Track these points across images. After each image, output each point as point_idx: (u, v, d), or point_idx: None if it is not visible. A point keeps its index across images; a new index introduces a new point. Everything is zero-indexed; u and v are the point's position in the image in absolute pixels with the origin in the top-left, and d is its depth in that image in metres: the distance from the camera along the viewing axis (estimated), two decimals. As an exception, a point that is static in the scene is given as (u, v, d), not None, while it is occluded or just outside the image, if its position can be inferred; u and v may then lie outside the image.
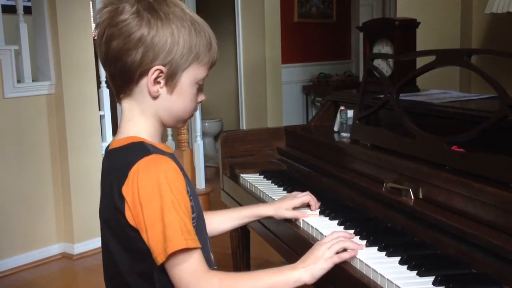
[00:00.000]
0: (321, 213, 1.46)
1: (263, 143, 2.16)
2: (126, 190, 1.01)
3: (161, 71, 1.06)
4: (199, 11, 5.33)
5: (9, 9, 3.75)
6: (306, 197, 1.47)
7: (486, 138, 1.31)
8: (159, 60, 1.05)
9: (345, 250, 1.18)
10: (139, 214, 1.00)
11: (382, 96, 1.64)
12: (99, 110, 3.70)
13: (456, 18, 2.90)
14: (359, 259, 1.15)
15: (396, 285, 1.03)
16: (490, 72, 1.29)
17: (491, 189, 1.12)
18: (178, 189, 1.01)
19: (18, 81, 3.33)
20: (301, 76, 6.08)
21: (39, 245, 3.44)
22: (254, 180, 1.90)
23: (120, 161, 1.05)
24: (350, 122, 1.91)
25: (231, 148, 2.13)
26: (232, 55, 5.58)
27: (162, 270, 1.02)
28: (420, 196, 1.32)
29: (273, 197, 1.67)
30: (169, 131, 4.41)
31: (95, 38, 1.10)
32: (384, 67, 1.99)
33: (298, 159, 1.97)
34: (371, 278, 1.10)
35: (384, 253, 1.18)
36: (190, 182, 1.09)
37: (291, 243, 1.47)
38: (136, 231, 1.01)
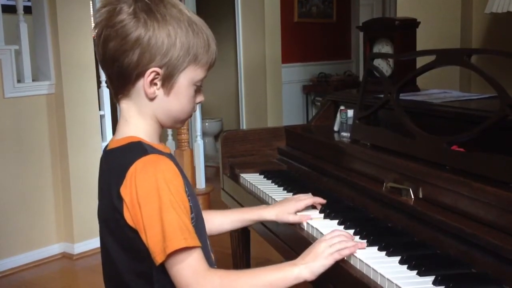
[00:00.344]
0: (321, 212, 1.46)
1: (263, 143, 2.16)
2: (124, 190, 1.01)
3: (158, 73, 1.06)
4: (199, 10, 5.33)
5: (9, 9, 3.75)
6: (309, 200, 1.46)
7: (486, 137, 1.31)
8: (156, 61, 1.04)
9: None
10: (137, 214, 1.00)
11: (382, 95, 1.64)
12: (99, 109, 3.70)
13: (456, 18, 2.90)
14: (359, 259, 1.15)
15: (396, 284, 1.03)
16: (490, 71, 1.29)
17: (491, 189, 1.12)
18: (176, 188, 1.01)
19: (18, 81, 3.33)
20: (301, 75, 6.08)
21: (39, 245, 3.44)
22: (254, 180, 1.90)
23: (118, 161, 1.05)
24: (350, 122, 1.91)
25: (231, 147, 2.13)
26: (232, 54, 5.58)
27: (161, 270, 1.01)
28: (420, 196, 1.32)
29: (273, 197, 1.67)
30: (169, 131, 4.41)
31: (94, 38, 1.10)
32: (384, 66, 1.99)
33: (298, 159, 1.97)
34: (371, 277, 1.10)
35: (384, 252, 1.18)
36: (188, 182, 1.09)
37: (291, 243, 1.47)
38: (134, 231, 1.01)
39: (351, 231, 1.32)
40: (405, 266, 1.11)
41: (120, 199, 1.01)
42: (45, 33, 3.41)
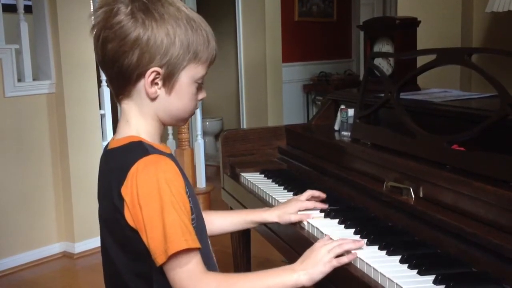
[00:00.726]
0: (321, 211, 1.46)
1: (263, 142, 2.16)
2: (125, 190, 1.00)
3: (158, 73, 1.05)
4: (199, 10, 5.33)
5: (10, 8, 3.75)
6: (309, 203, 1.46)
7: (487, 137, 1.31)
8: (156, 61, 1.04)
9: (347, 252, 1.17)
10: (138, 215, 0.99)
11: (382, 95, 1.64)
12: (100, 109, 3.70)
13: (457, 17, 2.90)
14: (360, 258, 1.15)
15: (396, 284, 1.03)
16: (491, 71, 1.29)
17: (492, 188, 1.12)
18: (177, 189, 1.01)
19: (19, 80, 3.33)
20: (302, 75, 6.08)
21: (39, 244, 3.45)
22: (254, 179, 1.90)
23: (119, 161, 1.05)
24: (350, 121, 1.91)
25: (232, 147, 2.13)
26: (233, 54, 5.58)
27: (160, 271, 1.01)
28: (421, 195, 1.32)
29: (273, 196, 1.67)
30: (170, 130, 4.41)
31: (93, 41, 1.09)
32: (384, 66, 1.99)
33: (299, 158, 1.97)
34: (372, 277, 1.10)
35: (384, 252, 1.18)
36: (189, 183, 1.08)
37: (291, 242, 1.47)
38: (135, 232, 1.01)
39: (352, 230, 1.32)
40: (406, 265, 1.11)
41: (121, 199, 1.01)
42: (45, 32, 3.41)
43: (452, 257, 1.13)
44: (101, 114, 3.71)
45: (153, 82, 1.06)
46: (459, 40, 2.88)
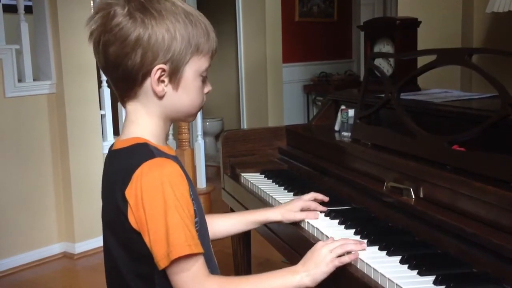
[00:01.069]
0: (321, 211, 1.46)
1: (264, 142, 2.16)
2: (129, 192, 1.00)
3: (164, 70, 1.04)
4: (199, 9, 5.32)
5: (10, 9, 3.75)
6: (312, 203, 1.45)
7: (487, 137, 1.31)
8: (159, 58, 1.03)
9: (347, 252, 1.17)
10: (141, 218, 0.99)
11: (383, 95, 1.64)
12: (100, 109, 3.70)
13: (457, 17, 2.90)
14: (360, 259, 1.15)
15: (396, 284, 1.03)
16: (491, 71, 1.28)
17: (492, 188, 1.12)
18: (181, 193, 1.00)
19: (19, 81, 3.33)
20: (302, 75, 6.08)
21: (40, 244, 3.45)
22: (255, 179, 1.90)
23: (123, 162, 1.04)
24: (351, 121, 1.91)
25: (232, 147, 2.13)
26: (233, 54, 5.58)
27: (162, 273, 1.01)
28: (421, 196, 1.32)
29: (274, 197, 1.67)
30: (170, 130, 4.41)
31: (92, 46, 1.08)
32: (385, 66, 1.99)
33: (299, 159, 1.97)
34: (372, 277, 1.10)
35: (384, 252, 1.18)
36: (192, 186, 1.08)
37: (292, 243, 1.47)
38: (138, 234, 1.00)
39: (352, 231, 1.32)
40: (406, 265, 1.10)
41: (125, 201, 1.00)
42: (46, 32, 3.41)
43: (452, 257, 1.13)
44: (101, 115, 3.71)
45: (159, 80, 1.05)
46: (459, 40, 2.88)
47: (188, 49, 1.05)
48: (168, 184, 0.99)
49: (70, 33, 3.40)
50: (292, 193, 1.69)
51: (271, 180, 1.86)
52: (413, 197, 1.33)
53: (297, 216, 1.41)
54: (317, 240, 1.30)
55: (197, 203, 1.08)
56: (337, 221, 1.39)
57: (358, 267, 1.15)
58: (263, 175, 1.94)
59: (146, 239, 0.99)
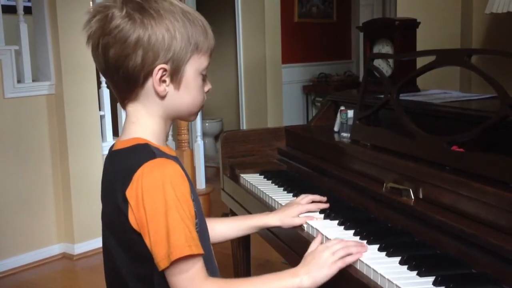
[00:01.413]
0: (321, 212, 1.46)
1: (263, 143, 2.16)
2: (130, 193, 1.00)
3: (165, 69, 1.04)
4: (199, 10, 5.31)
5: (10, 9, 3.75)
6: (311, 205, 1.45)
7: (487, 138, 1.31)
8: (160, 58, 1.03)
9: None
10: (142, 218, 0.98)
11: (382, 96, 1.64)
12: (99, 110, 3.70)
13: (456, 18, 2.90)
14: (360, 259, 1.15)
15: (396, 285, 1.03)
16: (490, 72, 1.29)
17: (491, 189, 1.12)
18: (182, 194, 1.00)
19: (18, 81, 3.33)
20: (301, 76, 6.08)
21: (39, 245, 3.44)
22: (254, 180, 1.90)
23: (124, 163, 1.04)
24: (350, 122, 1.91)
25: (231, 148, 2.13)
26: (232, 55, 5.58)
27: (162, 274, 1.01)
28: (420, 196, 1.32)
29: (273, 197, 1.66)
30: (170, 131, 4.40)
31: (91, 50, 1.07)
32: (384, 67, 1.99)
33: (298, 159, 1.97)
34: (371, 278, 1.10)
35: (384, 253, 1.18)
36: (193, 187, 1.08)
37: (291, 244, 1.47)
38: (138, 235, 1.00)
39: (351, 232, 1.32)
40: (405, 266, 1.11)
41: (126, 201, 1.00)
42: (45, 33, 3.41)
43: (452, 258, 1.13)
44: (100, 115, 3.70)
45: (161, 80, 1.05)
46: (458, 41, 2.88)
47: (188, 47, 1.06)
48: (169, 185, 0.99)
49: (70, 34, 3.40)
50: (291, 194, 1.69)
51: (270, 181, 1.86)
52: (413, 197, 1.33)
53: (296, 221, 1.41)
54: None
55: (197, 204, 1.08)
56: (336, 221, 1.39)
57: (358, 268, 1.15)
58: (263, 176, 1.94)
59: (147, 240, 0.99)
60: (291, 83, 5.89)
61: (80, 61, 3.46)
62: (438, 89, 2.02)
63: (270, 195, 1.69)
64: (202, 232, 1.10)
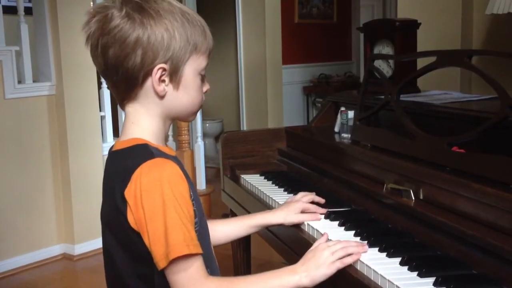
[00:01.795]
0: (321, 213, 1.45)
1: (263, 144, 2.16)
2: (128, 193, 1.00)
3: (164, 69, 1.05)
4: (199, 11, 5.32)
5: (10, 10, 3.76)
6: (311, 205, 1.45)
7: (487, 139, 1.31)
8: (160, 58, 1.04)
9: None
10: (141, 218, 0.99)
11: (382, 97, 1.64)
12: (100, 111, 3.70)
13: (457, 19, 2.90)
14: (360, 260, 1.15)
15: (396, 286, 1.03)
16: (491, 72, 1.29)
17: (492, 190, 1.12)
18: (181, 193, 1.00)
19: (19, 82, 3.34)
20: (302, 76, 6.08)
21: (39, 246, 3.44)
22: (254, 181, 1.90)
23: (123, 163, 1.04)
24: (350, 123, 1.91)
25: (232, 149, 2.13)
26: (233, 55, 5.58)
27: (162, 275, 1.01)
28: (421, 197, 1.32)
29: (274, 198, 1.67)
30: (170, 131, 4.41)
31: (90, 50, 1.08)
32: (384, 68, 1.99)
33: (299, 160, 1.97)
34: (372, 279, 1.10)
35: (384, 254, 1.18)
36: (193, 186, 1.08)
37: (291, 244, 1.47)
38: (138, 234, 1.00)
39: (352, 232, 1.32)
40: (406, 267, 1.11)
41: (124, 201, 1.00)
42: (45, 34, 3.41)
43: (452, 259, 1.13)
44: (101, 116, 3.71)
45: (160, 80, 1.06)
46: (459, 42, 2.88)
47: (187, 47, 1.06)
48: (167, 184, 0.99)
49: (70, 34, 3.40)
50: (292, 195, 1.68)
51: (271, 182, 1.86)
52: (413, 198, 1.33)
53: (299, 218, 1.41)
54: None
55: (197, 203, 1.08)
56: (337, 222, 1.40)
57: (358, 268, 1.15)
58: (263, 177, 1.94)
59: (146, 240, 0.99)
60: (292, 84, 5.90)
61: (80, 62, 3.46)
62: (439, 89, 2.02)
63: (270, 196, 1.69)
64: (202, 231, 1.10)
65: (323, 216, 1.44)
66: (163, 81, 1.06)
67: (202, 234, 1.09)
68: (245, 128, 5.12)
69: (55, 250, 3.52)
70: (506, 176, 1.14)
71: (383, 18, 5.25)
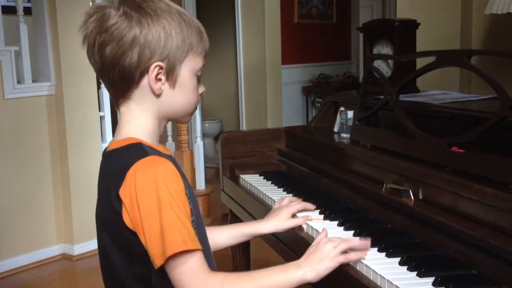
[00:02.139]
0: (321, 213, 1.46)
1: (263, 144, 2.16)
2: (123, 192, 0.99)
3: (161, 67, 1.05)
4: (199, 12, 5.33)
5: (9, 10, 3.75)
6: (299, 205, 1.44)
7: (486, 138, 1.31)
8: (157, 56, 1.04)
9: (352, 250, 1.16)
10: (136, 217, 0.98)
11: (382, 97, 1.64)
12: (99, 111, 3.70)
13: (456, 19, 2.90)
14: (359, 260, 1.15)
15: (396, 286, 1.03)
16: (490, 72, 1.29)
17: (491, 190, 1.12)
18: (176, 190, 1.00)
19: (18, 82, 3.33)
20: (301, 77, 6.08)
21: (39, 246, 3.44)
22: (254, 181, 1.90)
23: (117, 162, 1.04)
24: (350, 123, 1.91)
25: (231, 149, 2.13)
26: (232, 56, 5.58)
27: (160, 274, 1.00)
28: (420, 197, 1.32)
29: (273, 198, 1.67)
30: (169, 132, 4.41)
31: (86, 50, 1.08)
32: (384, 68, 1.99)
33: (298, 160, 1.97)
34: (371, 279, 1.10)
35: (384, 254, 1.18)
36: (189, 185, 1.08)
37: (291, 244, 1.47)
38: (134, 234, 1.00)
39: (351, 232, 1.32)
40: (405, 267, 1.11)
41: (119, 201, 1.00)
42: (45, 34, 3.41)
43: (451, 259, 1.13)
44: (100, 116, 3.70)
45: (157, 78, 1.06)
46: (458, 42, 2.88)
47: (183, 47, 1.07)
48: (162, 182, 0.99)
49: (69, 34, 3.39)
50: (291, 195, 1.68)
51: (270, 182, 1.86)
52: (412, 198, 1.33)
53: (290, 223, 1.39)
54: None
55: (193, 202, 1.07)
56: (336, 222, 1.40)
57: (357, 268, 1.15)
58: (262, 177, 1.94)
59: (142, 238, 0.99)
60: (291, 84, 5.89)
61: (80, 62, 3.45)
62: (438, 89, 2.02)
63: (270, 196, 1.69)
64: (199, 230, 1.09)
65: (322, 216, 1.44)
66: (160, 79, 1.06)
67: (201, 234, 1.08)
68: (244, 128, 5.12)
69: (54, 250, 3.52)
70: (505, 176, 1.14)
71: (383, 18, 5.25)
